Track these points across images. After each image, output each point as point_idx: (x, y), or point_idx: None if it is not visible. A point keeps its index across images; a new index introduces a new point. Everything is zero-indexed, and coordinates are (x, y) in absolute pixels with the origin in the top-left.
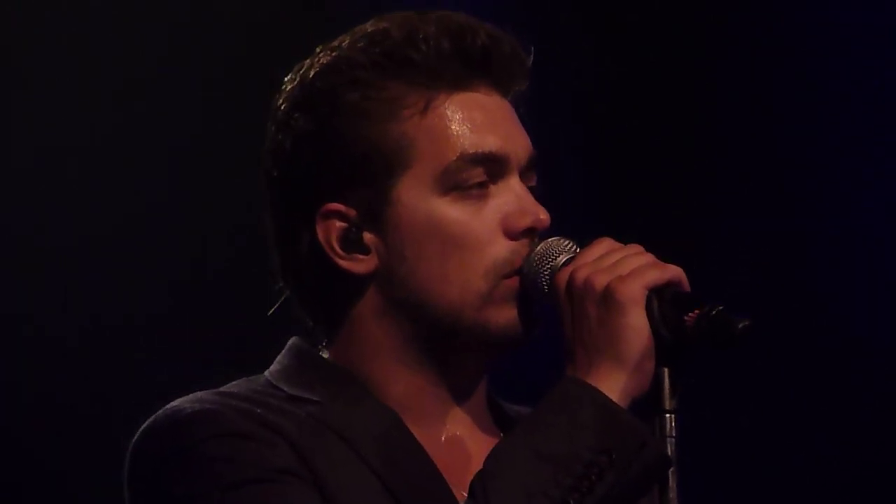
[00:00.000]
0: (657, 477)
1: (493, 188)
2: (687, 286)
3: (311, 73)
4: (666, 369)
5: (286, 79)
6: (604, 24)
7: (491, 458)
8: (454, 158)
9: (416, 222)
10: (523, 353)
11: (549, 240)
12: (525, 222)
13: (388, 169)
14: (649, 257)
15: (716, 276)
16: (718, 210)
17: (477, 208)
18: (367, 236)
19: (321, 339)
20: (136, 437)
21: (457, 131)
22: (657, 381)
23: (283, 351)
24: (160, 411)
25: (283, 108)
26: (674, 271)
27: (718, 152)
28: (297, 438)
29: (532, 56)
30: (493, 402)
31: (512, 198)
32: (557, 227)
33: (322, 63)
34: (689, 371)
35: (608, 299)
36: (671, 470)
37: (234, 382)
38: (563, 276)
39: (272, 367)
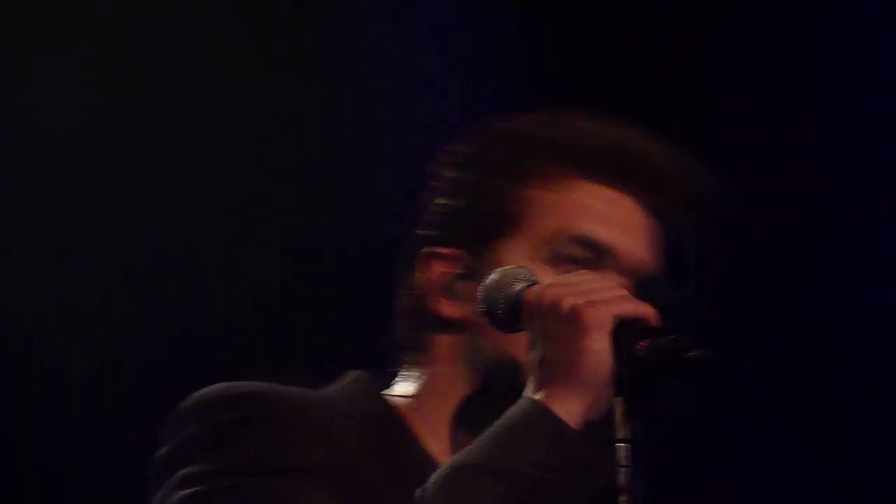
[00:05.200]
0: (604, 502)
1: None
2: (657, 324)
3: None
4: (619, 398)
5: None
6: None
7: (439, 470)
8: (558, 234)
9: None
10: None
11: (505, 268)
12: None
13: (499, 227)
14: (624, 291)
15: None
16: None
17: None
18: (463, 285)
19: (387, 378)
20: (188, 400)
21: (573, 212)
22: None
23: (346, 380)
24: (218, 383)
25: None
26: (647, 309)
27: None
28: (342, 444)
29: (705, 193)
30: None
31: None
32: None
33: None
34: (649, 400)
35: (573, 321)
36: (622, 499)
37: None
38: (531, 294)
39: (332, 387)
